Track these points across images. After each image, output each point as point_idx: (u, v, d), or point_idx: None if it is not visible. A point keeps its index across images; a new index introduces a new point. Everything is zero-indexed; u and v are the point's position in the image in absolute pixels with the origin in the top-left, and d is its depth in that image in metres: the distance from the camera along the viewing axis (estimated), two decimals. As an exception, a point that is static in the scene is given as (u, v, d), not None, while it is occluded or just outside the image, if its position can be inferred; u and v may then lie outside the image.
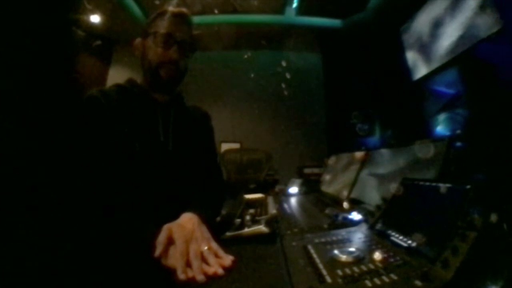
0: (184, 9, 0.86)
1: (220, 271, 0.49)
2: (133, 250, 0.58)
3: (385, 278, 0.38)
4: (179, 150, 0.85)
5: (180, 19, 0.85)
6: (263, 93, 3.89)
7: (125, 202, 0.68)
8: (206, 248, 0.55)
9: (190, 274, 0.48)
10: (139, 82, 0.89)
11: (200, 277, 0.47)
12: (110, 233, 0.63)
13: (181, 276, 0.47)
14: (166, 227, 0.58)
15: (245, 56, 3.80)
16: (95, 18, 3.15)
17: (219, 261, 0.52)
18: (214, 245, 0.57)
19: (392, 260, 0.44)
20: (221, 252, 0.55)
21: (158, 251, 0.53)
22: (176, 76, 0.86)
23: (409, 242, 0.48)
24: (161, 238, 0.55)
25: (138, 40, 0.88)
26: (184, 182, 0.83)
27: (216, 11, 3.05)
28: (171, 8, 0.84)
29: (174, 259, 0.51)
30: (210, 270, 0.49)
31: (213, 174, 0.97)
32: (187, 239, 0.56)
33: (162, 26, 0.82)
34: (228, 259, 0.52)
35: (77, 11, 2.70)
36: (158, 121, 0.84)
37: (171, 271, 0.50)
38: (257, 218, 0.78)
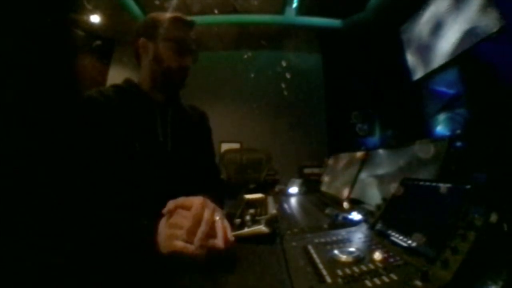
0: (193, 18, 0.90)
1: (220, 244, 0.50)
2: (133, 250, 0.58)
3: (385, 278, 0.38)
4: (178, 150, 0.85)
5: (191, 27, 0.89)
6: (263, 93, 3.89)
7: (125, 202, 0.68)
8: (218, 218, 0.55)
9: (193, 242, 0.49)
10: (136, 82, 0.89)
11: (198, 244, 0.49)
12: (110, 233, 0.63)
13: (182, 236, 0.50)
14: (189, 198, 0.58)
15: (245, 56, 3.80)
16: (95, 18, 3.16)
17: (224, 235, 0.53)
18: (226, 222, 0.57)
19: (392, 260, 0.44)
20: (228, 230, 0.55)
21: (170, 206, 0.55)
22: (185, 81, 0.90)
23: (409, 242, 0.48)
24: (179, 200, 0.57)
25: (143, 40, 0.87)
26: (183, 182, 0.83)
27: (216, 11, 3.05)
28: (183, 16, 0.88)
29: (185, 219, 0.53)
30: (212, 241, 0.51)
31: (212, 174, 0.97)
32: (205, 205, 0.56)
33: (178, 33, 0.86)
34: (232, 237, 0.54)
35: (77, 11, 2.70)
36: (157, 121, 0.84)
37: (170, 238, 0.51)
38: (257, 218, 0.78)
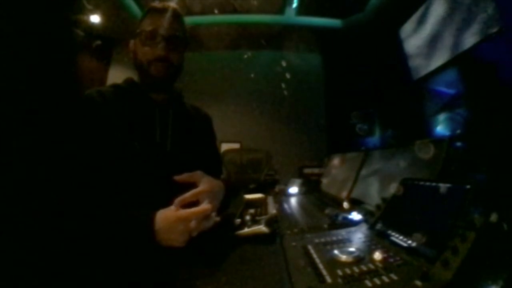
0: (170, 4, 0.84)
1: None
2: (132, 251, 0.58)
3: (385, 278, 0.38)
4: (177, 151, 0.84)
5: (166, 14, 0.82)
6: (263, 93, 3.89)
7: (124, 203, 0.68)
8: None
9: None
10: (137, 81, 0.88)
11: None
12: (109, 234, 0.63)
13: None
14: None
15: (245, 56, 3.80)
16: (95, 18, 3.15)
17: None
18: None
19: (392, 260, 0.44)
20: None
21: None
22: (168, 73, 0.83)
23: (409, 242, 0.48)
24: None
25: (131, 42, 0.87)
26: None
27: (216, 11, 3.05)
28: (155, 4, 0.83)
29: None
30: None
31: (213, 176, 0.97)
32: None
33: (147, 23, 0.81)
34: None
35: (77, 11, 2.70)
36: (155, 121, 0.83)
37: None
38: (257, 218, 0.78)
